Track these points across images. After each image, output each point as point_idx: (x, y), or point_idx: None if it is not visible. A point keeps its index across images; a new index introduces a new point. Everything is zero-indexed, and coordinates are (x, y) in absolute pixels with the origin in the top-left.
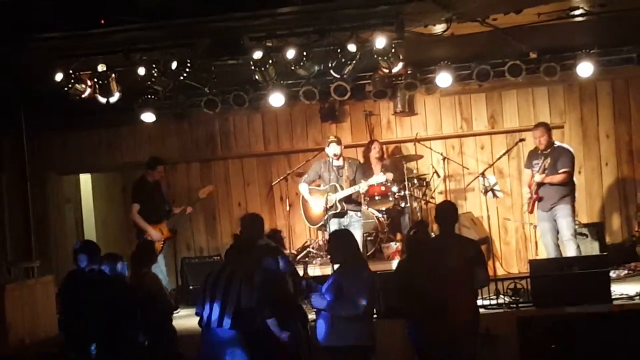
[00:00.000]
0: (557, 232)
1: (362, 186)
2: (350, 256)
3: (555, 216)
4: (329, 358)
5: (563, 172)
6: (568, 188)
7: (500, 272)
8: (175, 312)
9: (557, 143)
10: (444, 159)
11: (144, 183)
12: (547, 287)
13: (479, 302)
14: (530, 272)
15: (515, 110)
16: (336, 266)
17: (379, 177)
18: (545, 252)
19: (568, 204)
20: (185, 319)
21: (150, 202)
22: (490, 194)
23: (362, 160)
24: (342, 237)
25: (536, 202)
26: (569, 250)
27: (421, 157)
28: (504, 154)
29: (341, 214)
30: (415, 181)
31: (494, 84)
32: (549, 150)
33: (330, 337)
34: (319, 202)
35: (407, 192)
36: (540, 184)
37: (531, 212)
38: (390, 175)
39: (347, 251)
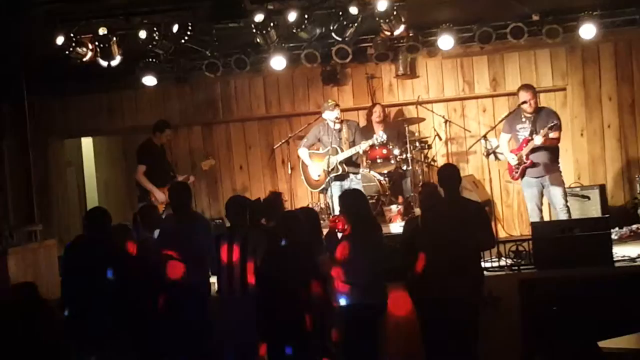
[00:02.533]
0: (542, 197)
1: (362, 146)
2: (363, 216)
3: (547, 184)
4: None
5: (556, 135)
6: (557, 153)
7: (502, 234)
8: None
9: (540, 105)
10: (445, 121)
11: (151, 145)
12: (548, 249)
13: (482, 265)
14: (532, 234)
15: (517, 73)
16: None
17: (377, 136)
18: (531, 216)
19: (559, 171)
20: None
21: (156, 165)
22: (492, 156)
23: (364, 124)
24: (353, 197)
25: (526, 168)
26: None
27: (423, 119)
28: (506, 117)
29: (342, 177)
30: (417, 144)
31: (496, 46)
32: (533, 114)
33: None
34: (319, 166)
35: (408, 155)
36: (533, 150)
37: (518, 178)
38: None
39: (359, 211)
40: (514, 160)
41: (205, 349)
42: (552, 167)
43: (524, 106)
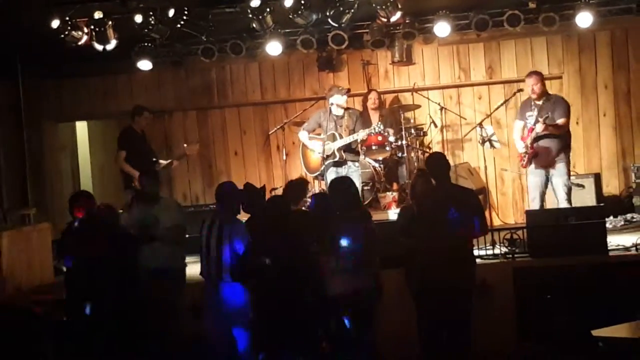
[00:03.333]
0: (546, 187)
1: (361, 134)
2: (348, 204)
3: (551, 174)
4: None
5: (562, 121)
6: (565, 141)
7: (497, 222)
8: None
9: (551, 93)
10: (441, 109)
11: (130, 131)
12: (543, 237)
13: (475, 252)
14: (527, 222)
15: (513, 61)
16: None
17: (376, 126)
18: (532, 205)
19: (564, 161)
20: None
21: (137, 150)
22: (487, 144)
23: (360, 110)
24: (340, 185)
25: (532, 157)
26: None
27: (419, 106)
28: (502, 104)
29: (339, 163)
30: (413, 131)
31: (493, 33)
32: (542, 100)
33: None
34: (318, 149)
35: (404, 142)
36: (537, 138)
37: (527, 166)
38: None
39: (345, 199)
40: (521, 148)
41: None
42: (557, 156)
43: (529, 91)
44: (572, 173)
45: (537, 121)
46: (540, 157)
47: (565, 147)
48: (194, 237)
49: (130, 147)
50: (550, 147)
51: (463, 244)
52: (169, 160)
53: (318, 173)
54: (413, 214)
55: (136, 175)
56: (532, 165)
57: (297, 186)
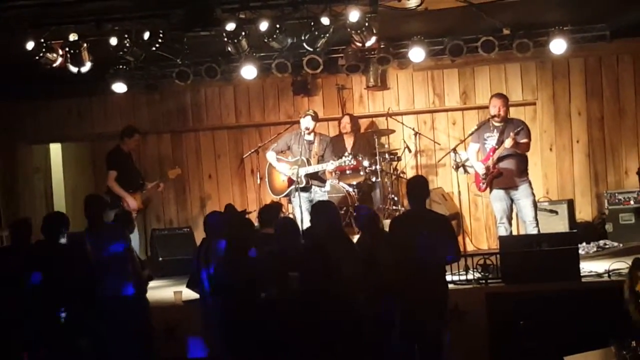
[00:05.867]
0: (511, 211)
1: (329, 166)
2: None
3: (515, 196)
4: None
5: (525, 141)
6: (526, 163)
7: (470, 247)
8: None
9: (511, 116)
10: (415, 134)
11: (119, 152)
12: (516, 263)
13: (449, 278)
14: (500, 248)
15: (487, 86)
16: None
17: (346, 159)
18: (499, 230)
19: (527, 182)
20: (156, 290)
21: (126, 171)
22: (461, 169)
23: (334, 133)
24: (326, 210)
25: (494, 177)
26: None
27: (393, 131)
28: (476, 130)
29: (306, 189)
30: (387, 156)
31: (467, 59)
32: (502, 123)
33: None
34: (284, 172)
35: (378, 167)
36: (500, 158)
37: (485, 189)
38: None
39: (331, 224)
40: (481, 170)
41: None
42: (520, 177)
43: (492, 110)
44: (545, 199)
45: (500, 141)
46: (502, 178)
47: (526, 168)
48: (170, 260)
49: (119, 168)
50: (512, 168)
51: (435, 269)
52: (155, 182)
53: (283, 195)
54: (368, 245)
55: (125, 197)
56: (495, 191)
57: (271, 210)
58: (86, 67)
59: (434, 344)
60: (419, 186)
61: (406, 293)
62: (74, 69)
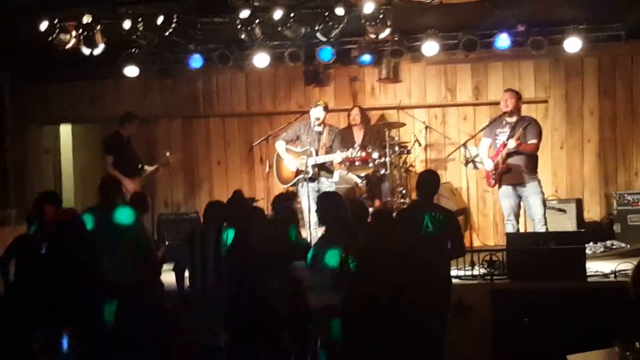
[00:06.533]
0: (519, 208)
1: (337, 157)
2: (340, 220)
3: (524, 194)
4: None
5: (534, 142)
6: (535, 161)
7: (477, 243)
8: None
9: (523, 114)
10: (426, 127)
11: (119, 137)
12: (522, 260)
13: (454, 273)
14: (507, 245)
15: (500, 83)
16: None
17: (353, 150)
18: (506, 227)
19: (537, 180)
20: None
21: (124, 156)
22: (471, 165)
23: (345, 125)
24: (332, 200)
25: (503, 173)
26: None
27: (403, 125)
28: (487, 126)
29: (313, 179)
30: (397, 148)
31: (481, 54)
32: (515, 118)
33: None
34: (292, 162)
35: (387, 159)
36: (510, 154)
37: (494, 185)
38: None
39: (337, 214)
40: (490, 166)
41: None
42: (529, 174)
43: (503, 106)
44: (554, 197)
45: (509, 138)
46: (511, 174)
47: (535, 166)
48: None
49: (118, 152)
50: (521, 165)
51: (439, 263)
52: (154, 167)
53: (290, 184)
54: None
55: (123, 181)
56: (503, 188)
57: (284, 199)
58: (99, 50)
59: (436, 339)
60: (429, 181)
61: (409, 287)
62: (86, 51)
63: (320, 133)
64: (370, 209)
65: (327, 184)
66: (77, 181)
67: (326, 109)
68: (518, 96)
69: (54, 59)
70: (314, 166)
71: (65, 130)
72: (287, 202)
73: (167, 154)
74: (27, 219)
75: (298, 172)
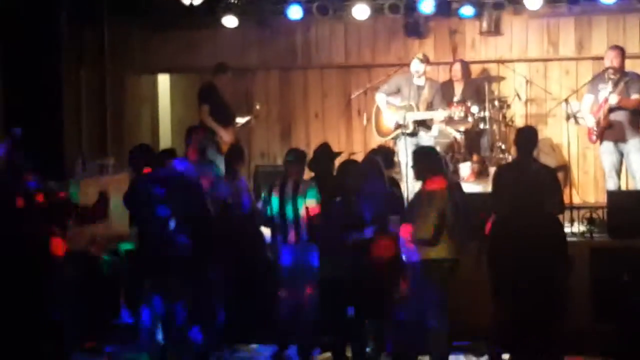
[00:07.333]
0: (621, 165)
1: (438, 115)
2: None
3: (625, 150)
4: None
5: (637, 97)
6: (638, 118)
7: (577, 200)
8: None
9: (627, 69)
10: (527, 82)
11: (212, 87)
12: (623, 218)
13: None
14: (608, 202)
15: (604, 37)
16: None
17: (456, 110)
18: (607, 184)
19: (638, 136)
20: None
21: (219, 106)
22: (572, 120)
23: (445, 78)
24: (427, 155)
25: (604, 129)
26: None
27: (503, 79)
28: (590, 82)
29: (412, 134)
30: (496, 103)
31: (585, 8)
32: (618, 75)
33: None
34: (392, 116)
35: (486, 114)
36: (612, 109)
37: (596, 141)
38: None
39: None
40: (592, 122)
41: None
42: (631, 131)
43: (607, 62)
44: None
45: (612, 93)
46: (612, 130)
47: (638, 122)
48: None
49: (212, 102)
50: (623, 121)
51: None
52: (247, 118)
53: (389, 137)
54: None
55: (218, 131)
56: (604, 144)
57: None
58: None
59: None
60: (527, 137)
61: (518, 241)
62: (186, 1)
63: (421, 87)
64: (469, 164)
65: (426, 139)
66: (175, 132)
67: (426, 60)
68: (623, 53)
69: (154, 8)
70: (414, 122)
71: (164, 81)
72: (380, 155)
73: (257, 106)
74: None
75: (397, 126)
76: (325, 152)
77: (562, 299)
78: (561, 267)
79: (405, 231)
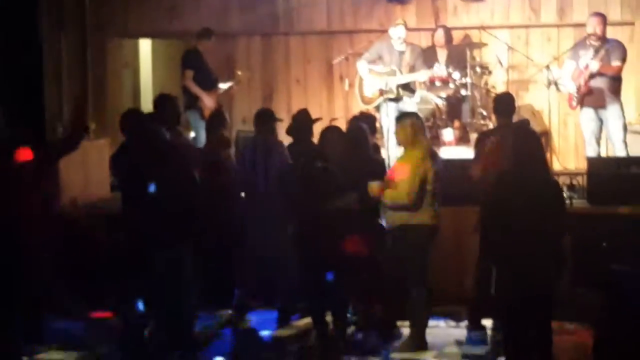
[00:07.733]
0: (600, 132)
1: (421, 77)
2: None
3: (605, 117)
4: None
5: (617, 64)
6: (619, 84)
7: (557, 167)
8: None
9: (608, 36)
10: (508, 48)
11: (196, 52)
12: (603, 185)
13: None
14: (588, 169)
15: (585, 4)
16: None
17: (437, 69)
18: (587, 151)
19: (619, 103)
20: None
21: (202, 71)
22: (553, 87)
23: (427, 44)
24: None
25: (584, 95)
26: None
27: (485, 45)
28: (572, 49)
29: (396, 99)
30: (478, 69)
31: None
32: (599, 42)
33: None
34: (375, 83)
35: (468, 80)
36: (592, 76)
37: (576, 107)
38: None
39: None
40: (572, 88)
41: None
42: (612, 97)
43: (589, 29)
44: (637, 122)
45: (593, 59)
46: (592, 96)
47: (618, 89)
48: None
49: (196, 68)
50: (603, 87)
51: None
52: (229, 84)
53: (373, 105)
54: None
55: (201, 96)
56: (584, 110)
57: (364, 120)
58: None
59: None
60: (505, 101)
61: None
62: None
63: (402, 52)
64: (450, 130)
65: (410, 104)
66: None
67: (406, 26)
68: (605, 20)
69: None
70: (397, 86)
71: (145, 45)
72: (364, 122)
73: (238, 72)
74: None
75: (381, 93)
76: (304, 118)
77: (562, 260)
78: (562, 228)
79: (386, 197)
